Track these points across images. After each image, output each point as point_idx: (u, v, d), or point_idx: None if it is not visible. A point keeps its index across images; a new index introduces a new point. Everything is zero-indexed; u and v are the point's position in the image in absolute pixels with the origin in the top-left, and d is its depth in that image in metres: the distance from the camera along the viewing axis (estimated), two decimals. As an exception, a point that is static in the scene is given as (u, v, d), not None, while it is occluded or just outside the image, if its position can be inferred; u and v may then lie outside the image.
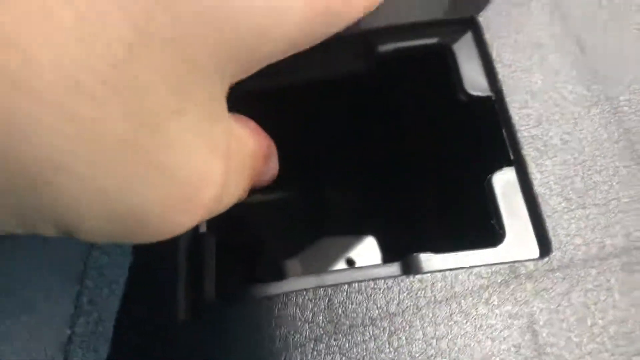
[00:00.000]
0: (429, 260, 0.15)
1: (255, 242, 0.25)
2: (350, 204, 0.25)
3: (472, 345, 0.14)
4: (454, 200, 0.20)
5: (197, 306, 0.16)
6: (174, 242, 0.17)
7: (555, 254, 0.14)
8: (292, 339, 0.14)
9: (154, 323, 0.16)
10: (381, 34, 0.18)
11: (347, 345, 0.14)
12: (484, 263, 0.15)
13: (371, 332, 0.14)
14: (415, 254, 0.15)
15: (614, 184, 0.15)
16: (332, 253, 0.25)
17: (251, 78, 0.13)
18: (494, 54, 0.18)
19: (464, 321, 0.14)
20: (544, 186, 0.15)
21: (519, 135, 0.16)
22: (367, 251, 0.24)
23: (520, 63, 0.17)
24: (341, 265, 0.24)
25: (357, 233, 0.25)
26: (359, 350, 0.14)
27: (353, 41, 0.18)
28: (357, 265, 0.24)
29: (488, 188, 0.16)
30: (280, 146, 0.16)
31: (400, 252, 0.19)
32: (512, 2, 0.18)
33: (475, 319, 0.14)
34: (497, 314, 0.14)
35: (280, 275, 0.24)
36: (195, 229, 0.18)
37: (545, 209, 0.15)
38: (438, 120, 0.20)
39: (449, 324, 0.14)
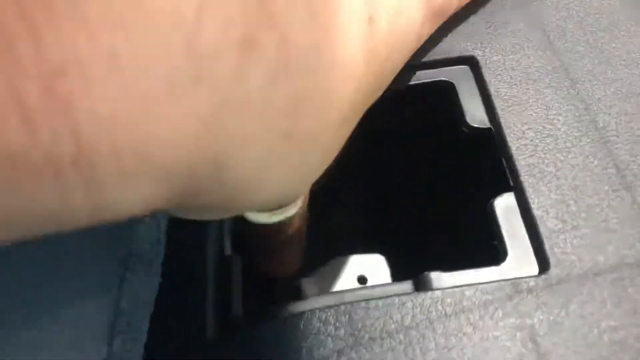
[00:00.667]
0: (439, 278, 0.17)
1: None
2: (360, 225, 0.27)
3: (479, 355, 0.15)
4: (459, 222, 0.22)
5: (226, 325, 0.17)
6: (201, 264, 0.19)
7: (553, 271, 0.16)
8: (317, 352, 0.16)
9: (183, 342, 0.17)
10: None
11: (367, 356, 0.15)
12: (489, 280, 0.16)
13: (389, 344, 0.16)
14: (426, 273, 0.17)
15: (605, 206, 0.17)
16: (344, 271, 0.26)
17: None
18: (492, 89, 0.19)
19: (472, 333, 0.15)
20: (541, 209, 0.17)
21: (517, 163, 0.18)
22: (377, 269, 0.26)
23: (517, 97, 0.19)
24: (353, 282, 0.26)
25: (367, 252, 0.26)
26: (379, 360, 0.15)
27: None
28: (368, 282, 0.26)
29: (490, 211, 0.18)
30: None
31: (409, 269, 0.21)
32: (508, 41, 0.20)
33: (482, 331, 0.15)
34: (501, 326, 0.15)
35: (298, 293, 0.25)
36: (221, 251, 0.20)
37: (543, 230, 0.17)
38: (443, 149, 0.22)
39: (459, 335, 0.15)
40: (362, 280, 0.26)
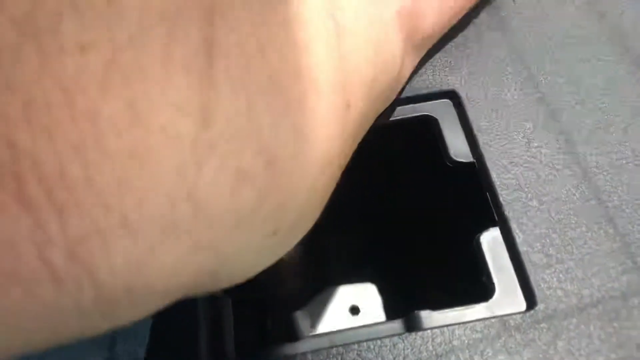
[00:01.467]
0: (429, 317, 0.17)
1: (265, 296, 0.27)
2: (352, 254, 0.27)
3: (471, 393, 0.15)
4: (448, 255, 0.22)
5: None
6: (192, 305, 0.19)
7: (540, 307, 0.16)
8: (310, 396, 0.16)
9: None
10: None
11: (360, 400, 0.16)
12: (478, 318, 0.16)
13: (381, 387, 0.16)
14: (416, 312, 0.17)
15: (588, 239, 0.17)
16: (336, 302, 0.26)
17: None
18: (474, 123, 0.20)
19: (463, 372, 0.16)
20: (526, 244, 0.17)
21: (501, 198, 0.18)
22: (370, 299, 0.26)
23: (498, 130, 0.19)
24: (346, 313, 0.26)
25: (359, 282, 0.26)
26: (372, 404, 0.15)
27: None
28: (361, 312, 0.26)
29: (477, 247, 0.18)
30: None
31: (400, 300, 0.21)
32: (488, 74, 0.21)
33: (473, 369, 0.16)
34: (492, 364, 0.16)
35: (291, 325, 0.25)
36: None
37: (529, 265, 0.17)
38: (429, 183, 0.22)
39: (450, 375, 0.16)
40: (354, 310, 0.26)
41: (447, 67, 0.21)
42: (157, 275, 0.10)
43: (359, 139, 0.16)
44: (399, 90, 0.19)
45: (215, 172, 0.10)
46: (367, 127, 0.17)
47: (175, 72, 0.10)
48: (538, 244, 0.17)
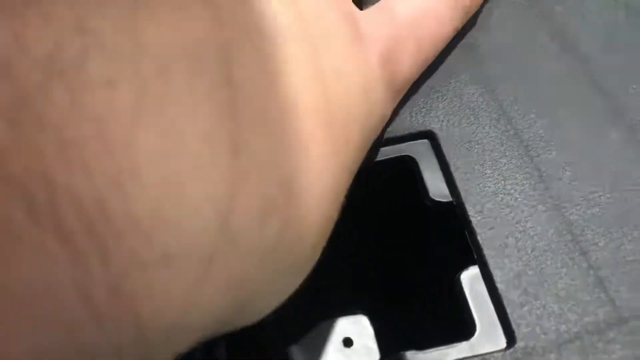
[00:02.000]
0: (414, 357, 0.17)
1: (257, 329, 0.27)
2: (342, 287, 0.28)
3: None
4: (432, 293, 0.22)
5: None
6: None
7: (519, 344, 0.17)
8: None
9: None
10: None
11: None
12: (461, 357, 0.17)
13: None
14: (402, 353, 0.18)
15: (563, 274, 0.18)
16: (330, 334, 0.27)
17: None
18: (451, 162, 0.20)
19: (448, 412, 0.16)
20: (505, 282, 0.18)
21: (479, 236, 0.19)
22: (362, 330, 0.26)
23: (474, 169, 0.20)
24: (339, 345, 0.27)
25: (351, 314, 0.27)
26: None
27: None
28: (354, 344, 0.26)
29: (457, 285, 0.19)
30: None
31: (391, 333, 0.21)
32: (463, 112, 0.21)
33: (457, 409, 0.16)
34: (475, 403, 0.16)
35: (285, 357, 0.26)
36: None
37: (507, 303, 0.18)
38: (410, 223, 0.23)
39: (436, 415, 0.16)
40: (347, 342, 0.27)
41: (423, 108, 0.22)
42: (197, 312, 0.10)
43: (353, 176, 0.17)
44: (381, 131, 0.20)
45: (246, 201, 0.10)
46: (358, 165, 0.17)
47: (200, 103, 0.10)
48: (516, 281, 0.18)
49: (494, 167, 0.20)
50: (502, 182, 0.20)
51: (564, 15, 0.24)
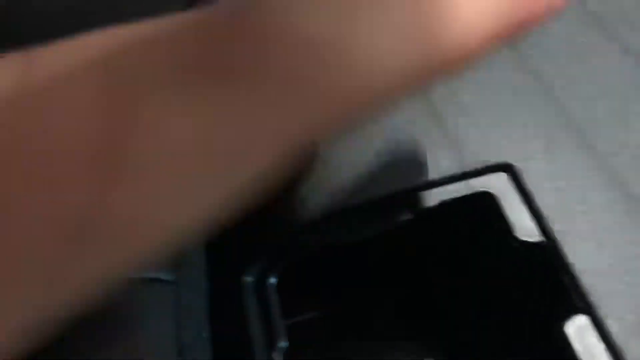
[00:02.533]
0: None
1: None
2: (421, 336, 0.25)
3: None
4: (522, 345, 0.20)
5: None
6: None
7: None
8: None
9: None
10: (425, 188, 0.19)
11: None
12: None
13: None
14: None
15: (687, 322, 0.16)
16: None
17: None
18: (536, 196, 0.18)
19: None
20: (623, 332, 0.16)
21: (580, 280, 0.17)
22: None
23: (563, 203, 0.18)
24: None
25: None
26: None
27: (399, 198, 0.19)
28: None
29: (561, 338, 0.16)
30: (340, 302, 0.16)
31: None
32: (539, 142, 0.20)
33: None
34: None
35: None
36: None
37: (631, 357, 0.15)
38: (494, 267, 0.21)
39: None
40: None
41: (497, 138, 0.20)
42: None
43: None
44: None
45: None
46: None
47: None
48: (637, 330, 0.16)
49: (584, 202, 0.18)
50: (596, 216, 0.18)
51: None
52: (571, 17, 0.23)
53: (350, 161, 0.20)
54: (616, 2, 0.23)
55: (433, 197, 0.19)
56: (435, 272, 0.22)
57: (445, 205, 0.19)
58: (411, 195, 0.19)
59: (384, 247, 0.20)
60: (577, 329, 0.16)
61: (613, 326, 0.16)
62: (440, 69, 0.11)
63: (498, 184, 0.19)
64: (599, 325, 0.16)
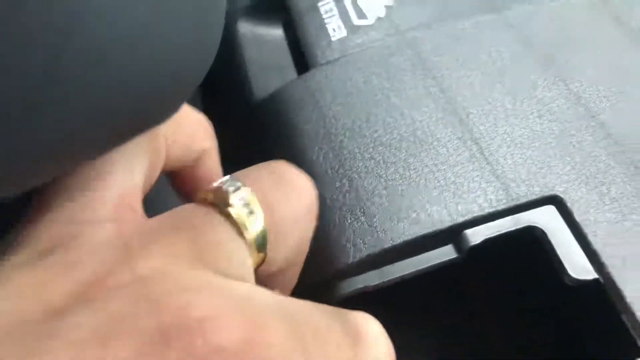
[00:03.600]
0: None
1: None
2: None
3: None
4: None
5: None
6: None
7: None
8: None
9: None
10: (468, 225, 0.18)
11: None
12: None
13: None
14: None
15: None
16: None
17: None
18: (588, 230, 0.18)
19: None
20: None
21: (641, 320, 0.16)
22: None
23: (619, 236, 0.17)
24: None
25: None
26: None
27: (443, 236, 0.19)
28: None
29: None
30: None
31: None
32: (587, 171, 0.19)
33: None
34: None
35: None
36: None
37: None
38: (546, 308, 0.20)
39: None
40: None
41: (542, 168, 0.19)
42: None
43: None
44: None
45: None
46: None
47: None
48: None
49: (639, 234, 0.17)
50: (655, 251, 0.17)
51: None
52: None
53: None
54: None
55: (479, 234, 0.18)
56: (482, 314, 0.22)
57: (490, 243, 0.18)
58: (455, 232, 0.19)
59: (429, 288, 0.20)
60: (641, 373, 0.15)
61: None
62: None
63: (546, 218, 0.18)
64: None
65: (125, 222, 0.13)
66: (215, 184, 0.14)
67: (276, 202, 0.14)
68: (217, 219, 0.13)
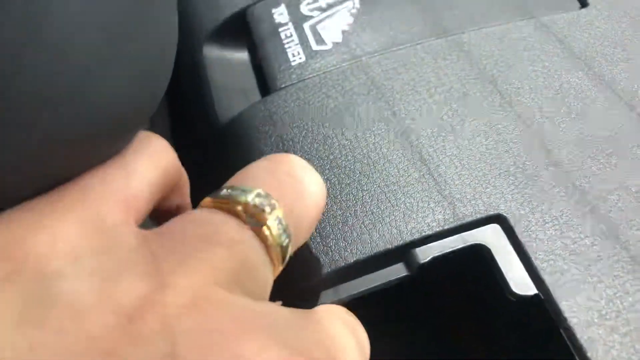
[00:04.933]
0: None
1: None
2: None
3: None
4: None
5: None
6: None
7: None
8: None
9: None
10: (417, 244, 0.19)
11: None
12: None
13: None
14: None
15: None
16: None
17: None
18: (529, 248, 0.18)
19: None
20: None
21: (577, 334, 0.17)
22: None
23: (557, 255, 0.18)
24: None
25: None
26: None
27: (393, 255, 0.19)
28: None
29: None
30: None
31: None
32: (531, 191, 0.20)
33: None
34: None
35: None
36: None
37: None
38: (487, 319, 0.21)
39: None
40: None
41: (487, 188, 0.20)
42: None
43: None
44: None
45: None
46: None
47: None
48: (632, 386, 0.16)
49: (579, 249, 0.18)
50: (590, 267, 0.18)
51: None
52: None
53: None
54: None
55: (427, 252, 0.19)
56: (437, 327, 0.22)
57: (438, 260, 0.19)
58: (405, 251, 0.19)
59: (380, 305, 0.21)
60: (575, 384, 0.16)
61: (610, 382, 0.16)
62: None
63: (491, 236, 0.19)
64: (596, 381, 0.16)
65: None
66: (237, 194, 0.13)
67: (296, 209, 0.14)
68: (248, 235, 0.13)
